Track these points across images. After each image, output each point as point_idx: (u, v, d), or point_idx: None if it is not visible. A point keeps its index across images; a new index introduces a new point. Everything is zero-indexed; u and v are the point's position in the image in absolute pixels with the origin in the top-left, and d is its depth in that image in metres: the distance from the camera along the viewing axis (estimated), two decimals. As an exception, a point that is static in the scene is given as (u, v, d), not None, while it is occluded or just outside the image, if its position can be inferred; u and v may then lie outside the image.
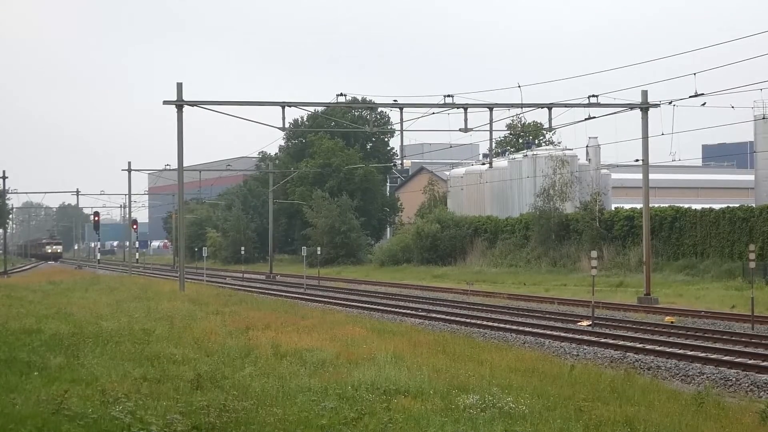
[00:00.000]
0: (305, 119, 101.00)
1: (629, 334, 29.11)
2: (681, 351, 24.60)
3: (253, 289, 55.99)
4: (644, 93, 42.34)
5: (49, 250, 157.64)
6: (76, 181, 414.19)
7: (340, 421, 11.95)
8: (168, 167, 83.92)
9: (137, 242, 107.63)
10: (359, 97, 67.97)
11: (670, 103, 40.78)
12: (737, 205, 55.08)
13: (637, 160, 47.63)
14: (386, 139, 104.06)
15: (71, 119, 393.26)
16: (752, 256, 33.21)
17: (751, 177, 75.82)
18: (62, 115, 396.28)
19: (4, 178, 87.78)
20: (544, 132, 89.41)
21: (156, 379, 15.11)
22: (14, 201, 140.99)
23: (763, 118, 66.62)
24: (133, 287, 45.54)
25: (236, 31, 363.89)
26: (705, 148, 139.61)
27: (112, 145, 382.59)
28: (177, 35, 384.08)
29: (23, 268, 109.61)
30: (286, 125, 48.76)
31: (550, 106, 43.45)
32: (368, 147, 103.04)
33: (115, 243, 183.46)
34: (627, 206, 65.42)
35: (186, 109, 43.65)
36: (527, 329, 30.73)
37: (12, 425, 11.03)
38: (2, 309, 29.07)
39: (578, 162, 72.89)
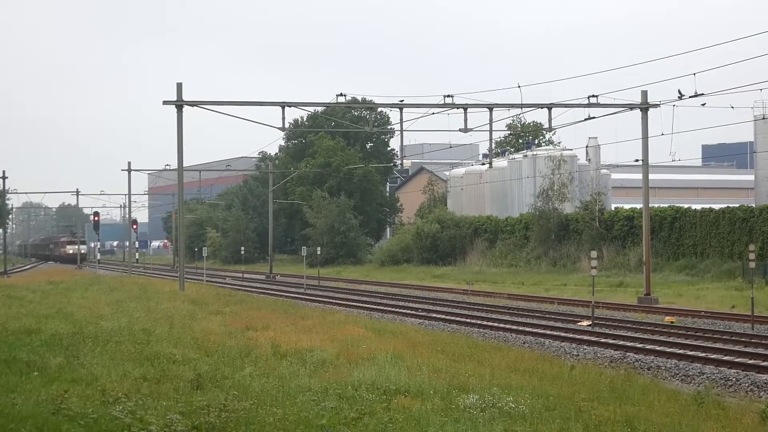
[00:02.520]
0: (305, 119, 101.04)
1: (629, 334, 29.10)
2: (681, 351, 24.59)
3: (253, 289, 56.00)
4: (644, 93, 42.33)
5: (70, 251, 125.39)
6: (76, 181, 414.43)
7: (340, 421, 11.96)
8: (168, 167, 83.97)
9: (137, 242, 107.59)
10: (359, 97, 68.12)
11: (672, 103, 40.77)
12: (737, 205, 55.07)
13: (637, 160, 47.63)
14: (386, 139, 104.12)
15: (71, 119, 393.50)
16: (752, 256, 33.20)
17: (751, 177, 75.84)
18: (62, 115, 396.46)
19: (4, 178, 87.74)
20: (544, 132, 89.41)
21: (156, 379, 15.12)
22: (14, 201, 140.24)
23: (763, 118, 66.64)
24: (133, 287, 45.55)
25: (236, 31, 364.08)
26: (705, 148, 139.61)
27: (112, 145, 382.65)
28: (177, 35, 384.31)
29: (23, 267, 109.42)
30: (286, 125, 48.78)
31: (550, 106, 43.45)
32: (368, 147, 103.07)
33: (115, 243, 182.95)
34: (627, 206, 65.42)
35: (186, 109, 43.66)
36: (527, 329, 30.72)
37: (12, 425, 11.04)
38: (2, 309, 29.09)
39: (578, 162, 72.91)
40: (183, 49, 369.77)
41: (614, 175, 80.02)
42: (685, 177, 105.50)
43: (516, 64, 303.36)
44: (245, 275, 76.71)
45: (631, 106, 42.65)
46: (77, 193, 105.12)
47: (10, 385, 14.01)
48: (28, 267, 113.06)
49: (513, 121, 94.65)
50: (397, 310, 39.62)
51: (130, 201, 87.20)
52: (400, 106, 43.11)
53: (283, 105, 42.93)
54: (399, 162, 75.59)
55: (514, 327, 31.49)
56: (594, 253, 35.15)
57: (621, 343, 26.68)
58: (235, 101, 44.72)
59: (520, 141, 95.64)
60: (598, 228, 61.61)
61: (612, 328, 31.12)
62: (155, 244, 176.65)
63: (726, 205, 55.61)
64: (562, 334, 29.05)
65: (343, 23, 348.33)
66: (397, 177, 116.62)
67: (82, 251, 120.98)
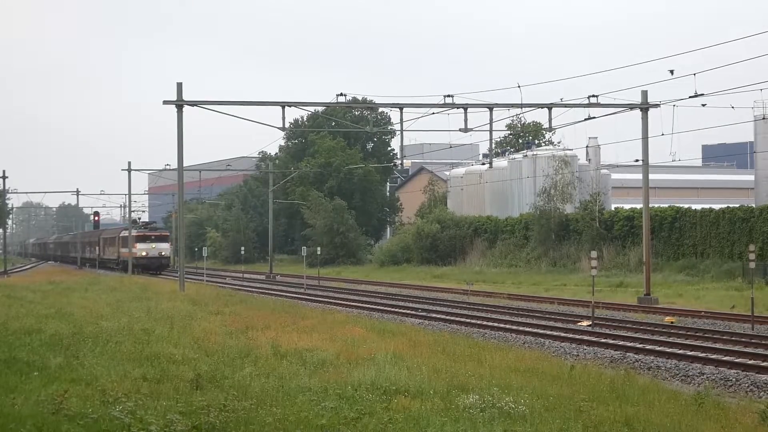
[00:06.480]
0: (305, 119, 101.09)
1: (629, 334, 29.09)
2: (681, 351, 24.58)
3: (253, 289, 55.99)
4: (644, 93, 42.34)
5: (144, 252, 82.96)
6: (76, 181, 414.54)
7: (340, 421, 11.96)
8: (168, 167, 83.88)
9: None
10: (359, 97, 68.08)
11: (672, 103, 40.78)
12: (737, 205, 55.06)
13: (637, 160, 47.64)
14: (387, 140, 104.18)
15: (71, 119, 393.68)
16: (752, 256, 33.19)
17: (751, 177, 75.84)
18: (62, 115, 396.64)
19: (4, 178, 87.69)
20: (544, 132, 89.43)
21: (156, 379, 15.12)
22: (14, 201, 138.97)
23: (763, 118, 66.64)
24: (133, 287, 45.54)
25: (236, 31, 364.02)
26: (705, 148, 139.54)
27: (112, 145, 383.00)
28: (177, 35, 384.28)
29: (23, 266, 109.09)
30: (286, 125, 48.78)
31: (550, 106, 43.45)
32: (369, 147, 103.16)
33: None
34: (627, 206, 65.41)
35: (186, 108, 43.68)
36: (527, 329, 30.71)
37: (12, 425, 11.03)
38: (2, 309, 29.07)
39: (578, 162, 72.92)
40: (183, 48, 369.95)
41: (614, 175, 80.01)
42: (685, 177, 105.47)
43: (516, 64, 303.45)
44: (245, 275, 76.71)
45: (631, 106, 42.65)
46: (77, 192, 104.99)
47: (10, 385, 13.99)
48: (28, 266, 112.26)
49: (513, 121, 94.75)
50: (397, 310, 39.61)
51: (130, 201, 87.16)
52: (400, 106, 43.12)
53: (283, 105, 42.93)
54: (399, 162, 75.56)
55: (514, 327, 31.48)
56: (594, 253, 35.14)
57: (621, 343, 26.67)
58: (235, 101, 44.76)
59: (520, 141, 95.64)
60: (598, 228, 61.61)
61: (612, 328, 31.11)
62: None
63: (726, 205, 55.61)
64: (562, 334, 29.05)
65: (343, 23, 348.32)
66: (397, 177, 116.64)
67: (164, 253, 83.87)
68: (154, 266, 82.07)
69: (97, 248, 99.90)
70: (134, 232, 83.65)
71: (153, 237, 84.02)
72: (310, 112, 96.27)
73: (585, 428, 12.53)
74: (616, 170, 80.00)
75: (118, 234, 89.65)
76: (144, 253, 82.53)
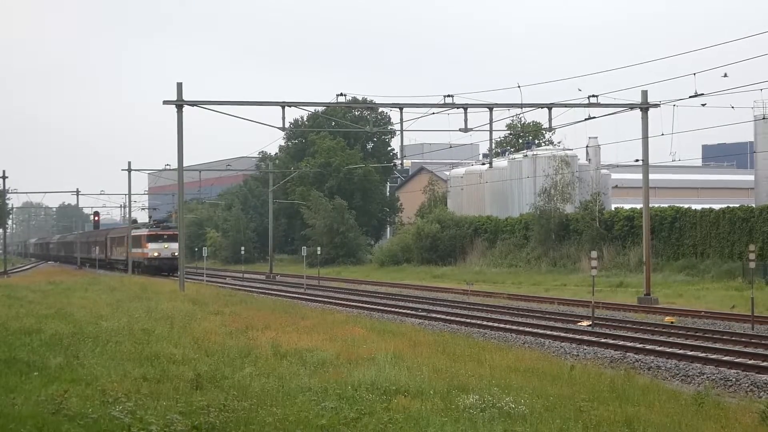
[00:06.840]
0: (305, 119, 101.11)
1: (629, 334, 29.11)
2: (681, 351, 24.60)
3: (253, 289, 56.00)
4: (644, 93, 42.35)
5: (155, 253, 76.37)
6: (76, 181, 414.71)
7: (340, 421, 11.96)
8: (168, 167, 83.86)
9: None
10: (359, 97, 68.08)
11: (672, 103, 40.77)
12: (737, 205, 55.05)
13: (637, 160, 47.65)
14: (387, 140, 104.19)
15: (71, 119, 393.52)
16: (752, 256, 33.20)
17: (751, 177, 75.83)
18: (62, 115, 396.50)
19: (4, 178, 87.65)
20: (544, 132, 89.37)
21: (156, 379, 15.12)
22: (14, 201, 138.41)
23: (763, 118, 66.63)
24: (133, 287, 45.52)
25: (236, 31, 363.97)
26: (705, 148, 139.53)
27: (112, 145, 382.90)
28: (177, 35, 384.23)
29: (23, 266, 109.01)
30: (286, 125, 48.78)
31: (550, 106, 43.46)
32: (369, 147, 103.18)
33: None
34: (627, 206, 65.42)
35: (186, 108, 43.68)
36: (527, 329, 30.73)
37: (12, 425, 11.04)
38: (2, 309, 29.06)
39: (578, 162, 72.91)
40: (183, 48, 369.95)
41: (614, 175, 79.97)
42: (685, 177, 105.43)
43: (516, 64, 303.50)
44: (245, 275, 76.71)
45: (631, 106, 42.66)
46: (77, 192, 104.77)
47: (10, 385, 14.00)
48: (29, 267, 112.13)
49: (513, 121, 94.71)
50: (397, 310, 39.63)
51: (130, 201, 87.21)
52: (400, 106, 43.12)
53: (283, 105, 42.94)
54: (399, 162, 75.65)
55: (514, 327, 31.50)
56: (594, 253, 35.16)
57: (621, 343, 26.68)
58: (236, 101, 44.76)
59: (520, 141, 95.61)
60: (598, 228, 61.60)
61: (612, 328, 31.13)
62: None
63: (726, 205, 55.60)
64: (562, 334, 29.06)
65: (343, 23, 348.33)
66: (397, 177, 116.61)
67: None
68: (166, 267, 75.18)
69: (103, 248, 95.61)
70: (145, 231, 78.46)
71: (165, 236, 76.39)
72: (310, 112, 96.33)
73: (585, 428, 12.53)
74: (616, 170, 79.95)
75: (127, 233, 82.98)
76: (156, 254, 76.25)
